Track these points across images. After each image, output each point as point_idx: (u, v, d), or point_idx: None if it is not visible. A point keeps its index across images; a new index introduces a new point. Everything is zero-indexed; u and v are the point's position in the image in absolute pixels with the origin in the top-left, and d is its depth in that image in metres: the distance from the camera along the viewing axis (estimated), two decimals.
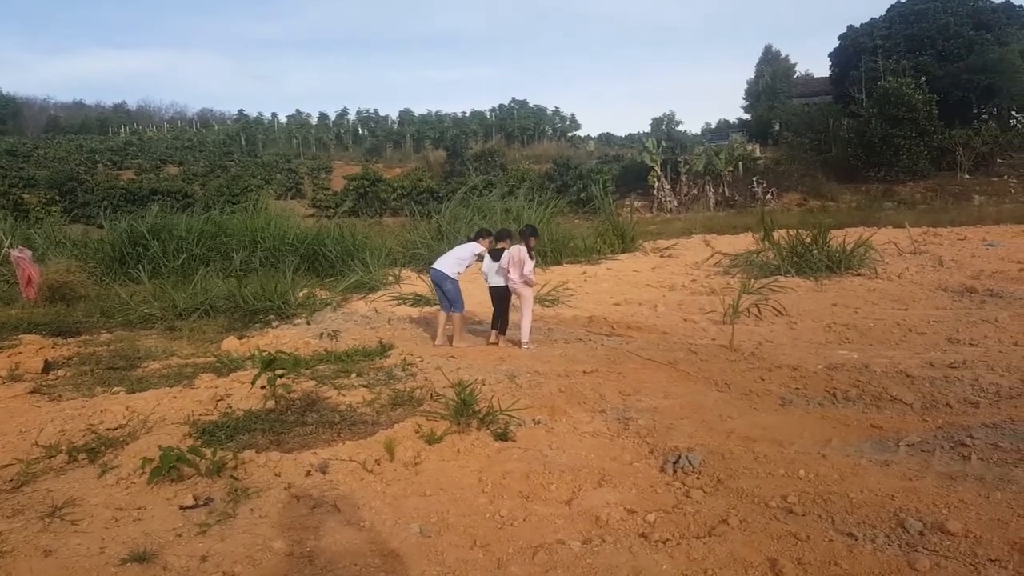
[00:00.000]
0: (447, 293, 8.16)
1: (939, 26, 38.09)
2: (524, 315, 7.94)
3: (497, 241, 8.31)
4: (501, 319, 8.18)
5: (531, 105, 65.05)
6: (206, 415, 5.58)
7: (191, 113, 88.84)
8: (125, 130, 69.09)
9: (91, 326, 9.85)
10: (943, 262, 13.31)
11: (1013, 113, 38.31)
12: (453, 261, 8.23)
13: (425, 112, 68.27)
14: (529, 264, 7.94)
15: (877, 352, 7.09)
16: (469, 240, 8.74)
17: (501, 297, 8.14)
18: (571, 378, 6.47)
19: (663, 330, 8.93)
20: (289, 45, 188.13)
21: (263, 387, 5.70)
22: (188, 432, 5.13)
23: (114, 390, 6.42)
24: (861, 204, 31.59)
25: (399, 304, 11.04)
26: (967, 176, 33.86)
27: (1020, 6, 39.85)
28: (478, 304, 9.57)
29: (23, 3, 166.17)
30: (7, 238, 13.66)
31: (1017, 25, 39.00)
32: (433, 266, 8.38)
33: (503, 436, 4.92)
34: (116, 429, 5.30)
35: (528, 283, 8.04)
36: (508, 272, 7.97)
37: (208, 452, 4.37)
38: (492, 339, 8.23)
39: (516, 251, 7.97)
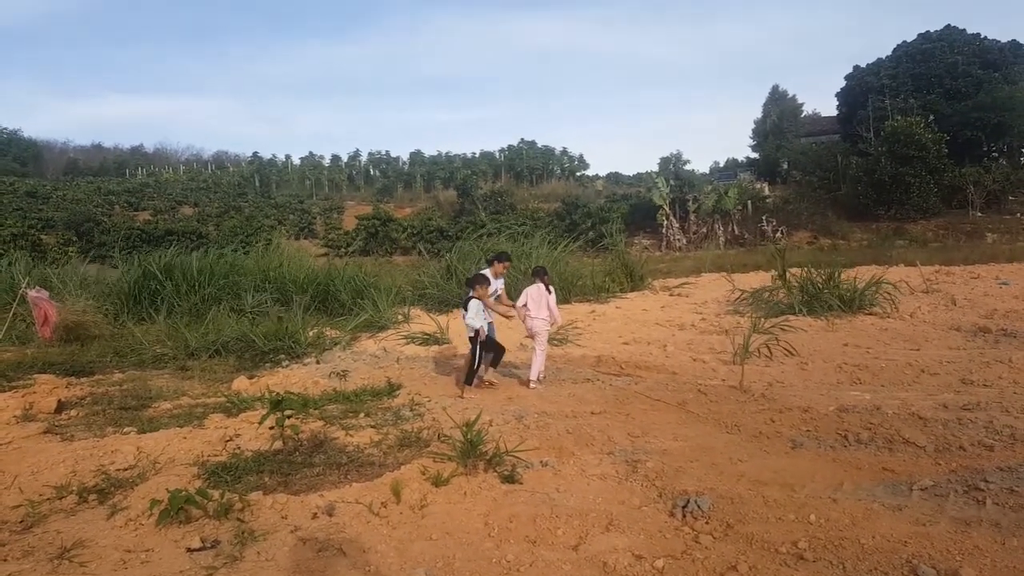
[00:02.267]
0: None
1: (946, 65, 38.51)
2: (537, 355, 7.92)
3: (468, 287, 8.03)
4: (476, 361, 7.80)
5: (540, 145, 65.91)
6: (215, 456, 5.59)
7: (207, 155, 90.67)
8: (142, 172, 70.49)
9: (104, 366, 9.93)
10: (956, 301, 13.20)
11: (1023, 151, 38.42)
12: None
13: (435, 153, 69.31)
14: (553, 299, 7.97)
15: (889, 393, 7.03)
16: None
17: (474, 342, 7.75)
18: (579, 419, 6.45)
19: (672, 370, 8.89)
20: (302, 89, 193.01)
21: (271, 428, 5.72)
22: (197, 473, 5.15)
23: (125, 430, 6.45)
24: (872, 242, 31.57)
25: (408, 343, 11.07)
26: (979, 214, 33.84)
27: None
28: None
29: (46, 51, 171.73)
30: (24, 278, 13.87)
31: None
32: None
33: (510, 478, 4.90)
34: (126, 470, 5.33)
35: (555, 321, 8.06)
36: (526, 310, 7.92)
37: (216, 494, 4.38)
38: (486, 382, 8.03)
39: (535, 290, 7.97)
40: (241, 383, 8.32)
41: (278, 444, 5.71)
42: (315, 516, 4.33)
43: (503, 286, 8.58)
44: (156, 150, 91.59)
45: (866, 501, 4.26)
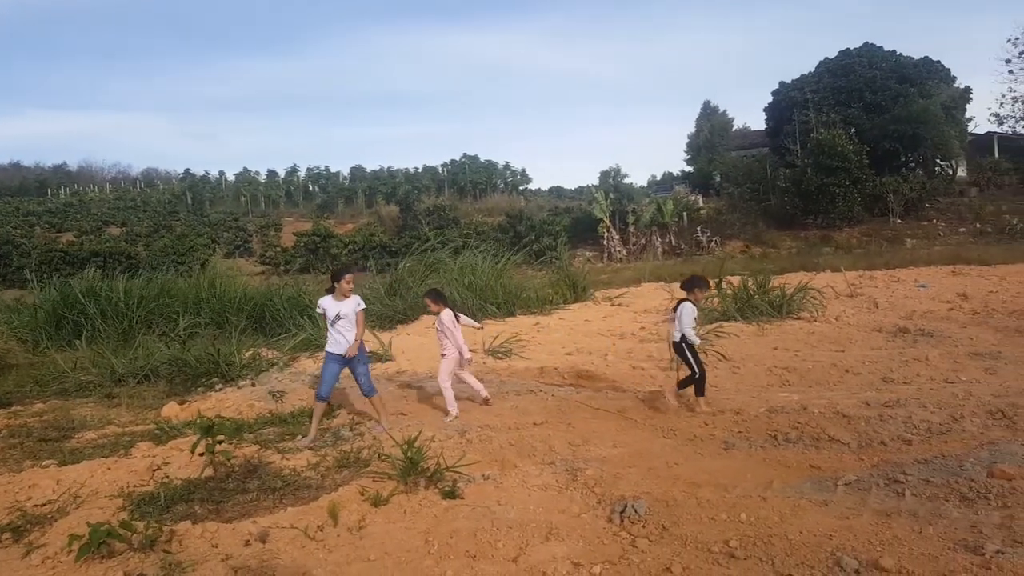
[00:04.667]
0: None
1: (866, 79, 40.46)
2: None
3: (686, 289, 7.18)
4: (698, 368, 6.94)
5: (482, 160, 66.21)
6: (142, 486, 5.37)
7: (135, 173, 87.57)
8: (65, 191, 67.52)
9: (23, 396, 9.42)
10: (878, 304, 13.84)
11: (938, 161, 40.65)
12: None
13: (377, 168, 68.81)
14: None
15: (816, 393, 7.30)
16: None
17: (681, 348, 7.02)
18: (521, 431, 6.46)
19: (613, 379, 9.01)
20: (235, 104, 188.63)
21: (202, 454, 5.53)
22: (122, 505, 4.94)
23: (44, 463, 6.13)
24: (800, 250, 32.80)
25: None
26: (899, 221, 35.59)
27: (938, 62, 42.74)
28: (432, 359, 9.48)
29: None
30: None
31: (937, 79, 41.69)
32: None
33: (451, 494, 4.86)
34: (44, 505, 5.07)
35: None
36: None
37: (140, 526, 4.19)
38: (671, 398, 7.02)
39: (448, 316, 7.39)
40: (171, 409, 8.03)
41: (209, 471, 5.52)
42: (247, 543, 4.19)
43: (359, 307, 7.33)
44: (80, 168, 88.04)
45: (794, 498, 4.40)
